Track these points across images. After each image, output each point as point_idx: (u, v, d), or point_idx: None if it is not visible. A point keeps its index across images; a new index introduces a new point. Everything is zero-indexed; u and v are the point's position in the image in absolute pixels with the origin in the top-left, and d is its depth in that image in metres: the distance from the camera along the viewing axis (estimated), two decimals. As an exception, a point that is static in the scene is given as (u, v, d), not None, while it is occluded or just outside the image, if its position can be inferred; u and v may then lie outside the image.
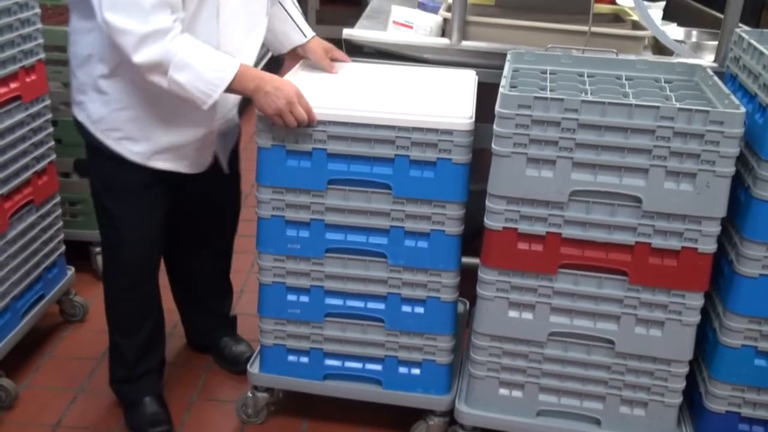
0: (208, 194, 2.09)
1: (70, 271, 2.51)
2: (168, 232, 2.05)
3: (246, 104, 1.98)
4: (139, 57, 1.64)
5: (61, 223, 2.44)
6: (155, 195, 1.93)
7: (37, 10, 2.22)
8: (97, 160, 1.92)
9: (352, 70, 2.06)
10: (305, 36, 2.07)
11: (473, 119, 1.73)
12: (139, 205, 1.92)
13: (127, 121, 1.82)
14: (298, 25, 2.08)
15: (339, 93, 1.89)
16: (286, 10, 2.08)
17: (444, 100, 1.84)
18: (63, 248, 2.45)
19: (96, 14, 1.67)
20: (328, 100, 1.80)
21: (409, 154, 1.72)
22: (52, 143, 2.35)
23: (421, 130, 1.69)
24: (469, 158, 1.73)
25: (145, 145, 1.85)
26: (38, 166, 2.27)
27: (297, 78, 1.93)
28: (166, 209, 1.98)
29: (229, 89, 1.72)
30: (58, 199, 2.41)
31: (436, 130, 1.69)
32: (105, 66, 1.79)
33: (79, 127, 1.89)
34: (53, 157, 2.36)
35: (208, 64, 1.69)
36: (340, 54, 2.10)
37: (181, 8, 1.69)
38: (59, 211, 2.43)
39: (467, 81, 1.98)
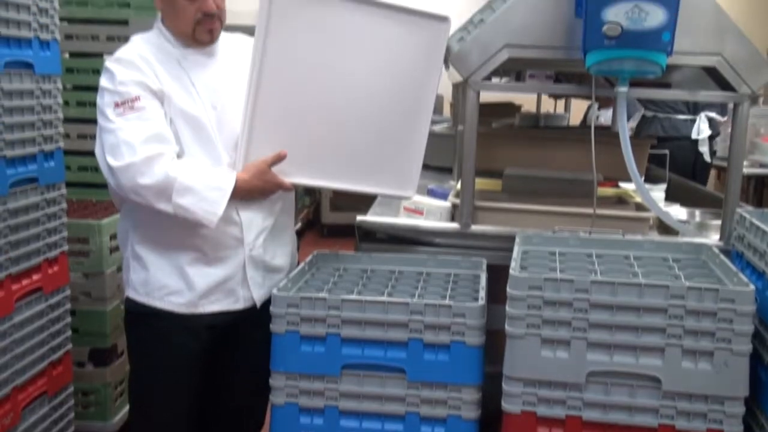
0: (246, 376, 2.07)
1: (79, 464, 2.44)
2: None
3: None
4: (145, 180, 1.80)
5: (72, 415, 2.41)
6: (197, 360, 1.97)
7: (64, 205, 2.33)
8: (142, 327, 1.97)
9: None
10: None
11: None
12: (180, 376, 1.96)
13: (169, 275, 1.93)
14: None
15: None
16: None
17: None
18: (73, 440, 2.41)
19: (105, 174, 1.86)
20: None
21: (423, 337, 1.72)
22: (69, 333, 2.37)
23: (434, 312, 1.71)
24: (482, 340, 1.72)
25: (190, 293, 1.93)
26: (54, 356, 2.27)
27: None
28: (199, 392, 2.00)
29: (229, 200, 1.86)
30: (71, 389, 2.40)
31: (449, 312, 1.70)
32: (137, 232, 1.95)
33: (127, 303, 2.00)
34: (69, 346, 2.38)
35: (208, 183, 1.84)
36: None
37: (172, 141, 1.86)
38: (72, 402, 2.40)
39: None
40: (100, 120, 1.87)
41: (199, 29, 1.91)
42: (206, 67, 1.96)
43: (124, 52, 1.92)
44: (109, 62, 1.90)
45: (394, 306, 1.72)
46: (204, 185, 1.83)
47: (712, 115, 4.19)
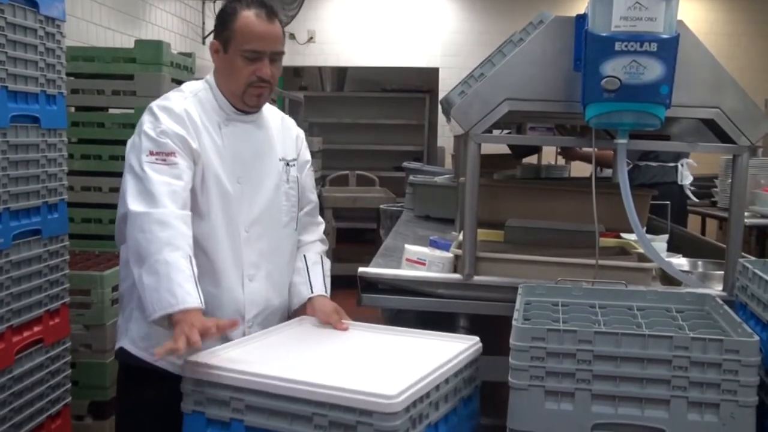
0: None
1: None
2: None
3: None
4: (145, 235, 1.74)
5: (70, 470, 2.37)
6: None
7: (66, 257, 2.33)
8: (134, 383, 1.94)
9: (336, 334, 1.94)
10: (311, 291, 2.07)
11: (404, 399, 1.45)
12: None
13: (170, 333, 1.84)
14: (309, 280, 2.10)
15: (278, 359, 1.71)
16: (305, 262, 2.14)
17: (392, 372, 1.61)
18: (70, 497, 2.37)
19: (120, 208, 1.83)
20: (253, 366, 1.62)
21: (329, 432, 1.48)
22: (69, 385, 2.35)
23: (338, 408, 1.46)
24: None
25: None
26: (53, 409, 2.25)
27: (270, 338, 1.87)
28: None
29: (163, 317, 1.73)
30: (69, 443, 2.37)
31: (354, 410, 1.44)
32: None
33: (122, 355, 1.94)
34: (69, 399, 2.35)
35: (172, 286, 1.71)
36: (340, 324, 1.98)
37: (189, 205, 1.82)
38: (70, 457, 2.37)
39: (454, 350, 1.75)
40: (130, 158, 1.86)
41: (249, 91, 1.94)
42: (243, 137, 1.99)
43: (174, 101, 1.93)
44: (156, 106, 1.91)
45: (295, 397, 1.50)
46: (170, 283, 1.71)
47: (689, 161, 4.47)
